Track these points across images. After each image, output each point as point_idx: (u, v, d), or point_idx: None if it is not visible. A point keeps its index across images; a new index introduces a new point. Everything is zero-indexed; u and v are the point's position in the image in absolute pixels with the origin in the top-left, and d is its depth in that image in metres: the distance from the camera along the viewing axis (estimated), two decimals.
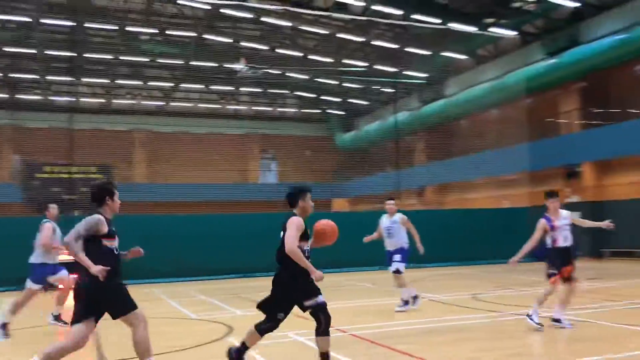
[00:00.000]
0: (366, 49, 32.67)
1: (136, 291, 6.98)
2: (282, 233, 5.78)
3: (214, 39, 30.78)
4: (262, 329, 5.85)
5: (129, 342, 5.35)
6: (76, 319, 5.18)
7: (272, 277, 5.88)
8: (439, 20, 25.90)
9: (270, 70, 32.83)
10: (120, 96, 39.45)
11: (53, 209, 9.48)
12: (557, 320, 7.93)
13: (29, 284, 8.91)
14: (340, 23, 30.28)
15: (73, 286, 5.51)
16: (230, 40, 31.17)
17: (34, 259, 9.02)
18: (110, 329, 5.80)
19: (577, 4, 23.51)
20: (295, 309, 5.80)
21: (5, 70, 33.90)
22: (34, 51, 29.77)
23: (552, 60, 25.10)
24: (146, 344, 5.31)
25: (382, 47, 29.90)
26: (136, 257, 5.85)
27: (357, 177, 37.80)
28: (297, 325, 8.83)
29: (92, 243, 5.26)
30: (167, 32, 30.25)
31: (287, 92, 40.85)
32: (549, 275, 8.08)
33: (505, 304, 10.52)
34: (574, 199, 25.03)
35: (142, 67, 35.70)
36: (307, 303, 5.65)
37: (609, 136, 22.34)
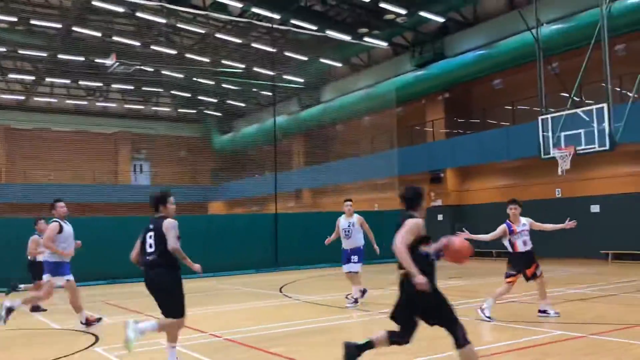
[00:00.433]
0: (245, 51, 32.57)
1: None
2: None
3: (83, 31, 29.10)
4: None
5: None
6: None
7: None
8: (316, 27, 26.47)
9: (143, 68, 31.62)
10: None
11: (60, 207, 9.28)
12: (544, 312, 8.89)
13: (53, 279, 9.08)
14: (218, 23, 29.93)
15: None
16: (101, 35, 29.65)
17: (47, 257, 9.18)
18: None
19: (443, 20, 25.08)
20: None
21: None
22: None
23: (420, 72, 26.60)
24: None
25: (260, 49, 29.96)
26: None
27: (235, 179, 37.52)
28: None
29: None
30: (31, 21, 28.14)
31: (161, 90, 39.59)
32: (507, 276, 8.92)
33: (377, 304, 10.95)
34: (438, 202, 26.67)
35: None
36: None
37: (469, 144, 24.05)
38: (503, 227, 9.04)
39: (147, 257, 6.24)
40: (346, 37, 27.06)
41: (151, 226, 6.33)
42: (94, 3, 25.15)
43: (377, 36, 27.32)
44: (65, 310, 11.97)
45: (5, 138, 36.20)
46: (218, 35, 29.81)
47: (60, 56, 30.55)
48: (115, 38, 29.84)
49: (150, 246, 6.26)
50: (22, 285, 12.19)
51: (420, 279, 4.94)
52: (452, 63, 25.15)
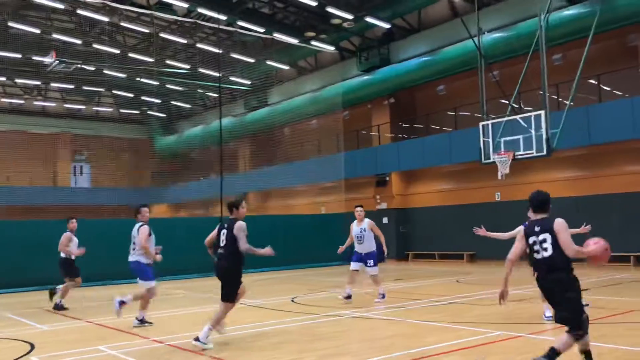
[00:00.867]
0: (190, 52, 32.12)
1: None
2: (548, 236, 5.46)
3: (20, 27, 28.00)
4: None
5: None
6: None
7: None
8: (263, 30, 26.39)
9: (85, 66, 30.70)
10: None
11: (145, 211, 9.83)
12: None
13: (144, 283, 9.46)
14: (163, 23, 29.41)
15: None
16: (40, 31, 28.61)
17: (137, 259, 9.49)
18: None
19: (389, 26, 25.47)
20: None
21: None
22: None
23: (366, 77, 26.91)
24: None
25: (206, 50, 29.62)
26: None
27: (179, 182, 36.92)
28: (116, 338, 8.37)
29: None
30: None
31: (103, 90, 38.55)
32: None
33: (321, 306, 10.99)
34: (383, 205, 27.02)
35: None
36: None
37: (414, 149, 24.50)
38: (521, 228, 9.13)
39: (219, 251, 7.69)
40: (293, 40, 27.09)
41: (226, 225, 7.74)
42: None
43: (324, 40, 27.48)
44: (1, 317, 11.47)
45: None
46: (163, 35, 29.31)
47: None
48: (55, 35, 28.87)
49: (223, 242, 7.66)
50: (58, 287, 12.25)
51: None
52: (397, 69, 25.57)
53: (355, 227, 11.60)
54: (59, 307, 11.81)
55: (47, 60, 28.16)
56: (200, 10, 24.69)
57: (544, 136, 16.17)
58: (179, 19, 27.32)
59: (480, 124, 18.02)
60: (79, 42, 29.21)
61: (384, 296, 11.48)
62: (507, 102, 18.66)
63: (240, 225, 7.54)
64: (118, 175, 37.39)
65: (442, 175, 25.85)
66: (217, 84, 25.30)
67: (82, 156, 40.81)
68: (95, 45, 29.67)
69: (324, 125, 29.93)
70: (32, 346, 8.00)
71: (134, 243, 9.58)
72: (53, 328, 9.48)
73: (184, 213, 38.25)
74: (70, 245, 11.91)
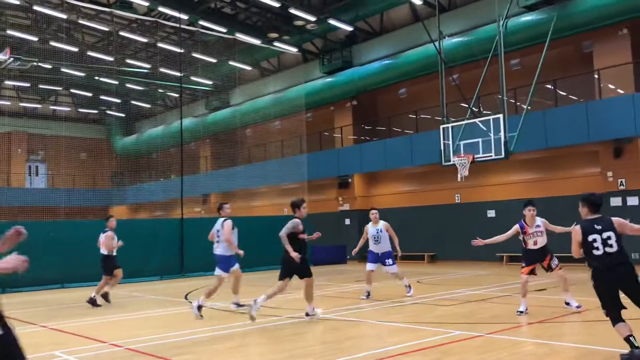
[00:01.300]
0: (151, 51, 31.66)
1: None
2: (611, 234, 6.04)
3: None
4: None
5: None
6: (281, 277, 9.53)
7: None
8: (225, 30, 26.20)
9: (41, 64, 29.91)
10: None
11: (227, 208, 10.85)
12: (568, 304, 9.51)
13: (222, 273, 10.41)
14: (123, 21, 28.91)
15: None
16: None
17: (222, 251, 10.41)
18: None
19: (351, 28, 25.63)
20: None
21: None
22: None
23: (329, 79, 27.01)
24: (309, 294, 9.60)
25: (167, 50, 29.24)
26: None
27: (138, 183, 36.32)
28: (72, 343, 8.17)
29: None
30: None
31: (60, 89, 37.62)
32: (522, 267, 9.56)
33: (284, 308, 10.97)
34: (346, 207, 27.14)
35: None
36: None
37: (376, 151, 24.68)
38: (516, 227, 9.58)
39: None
40: (256, 41, 26.98)
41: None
42: None
43: (287, 41, 27.46)
44: None
45: None
46: (123, 33, 28.79)
47: None
48: (10, 32, 28.03)
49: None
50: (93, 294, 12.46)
51: None
52: (360, 71, 25.75)
53: (371, 228, 12.26)
54: (93, 302, 12.16)
55: (1, 57, 27.32)
56: (161, 9, 24.37)
57: (502, 139, 16.53)
58: (139, 17, 26.90)
59: (441, 127, 18.31)
60: (35, 39, 28.44)
61: (410, 287, 12.21)
62: (466, 105, 19.01)
63: (294, 221, 9.54)
64: (76, 176, 36.55)
65: (403, 177, 26.13)
66: (178, 84, 25.02)
67: (37, 156, 39.74)
68: (53, 43, 28.95)
69: (286, 127, 29.90)
70: None
71: (218, 237, 10.49)
72: None
73: (143, 214, 37.64)
74: (112, 243, 12.51)
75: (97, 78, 33.13)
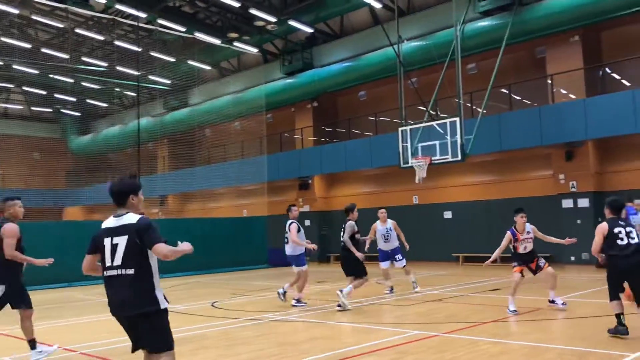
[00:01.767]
0: (107, 49, 31.02)
1: None
2: (632, 230, 7.32)
3: None
4: None
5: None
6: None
7: None
8: (184, 29, 25.90)
9: None
10: None
11: (295, 210, 11.51)
12: (553, 302, 9.78)
13: (297, 268, 11.25)
14: (79, 18, 28.25)
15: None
16: None
17: (291, 251, 11.25)
18: None
19: (312, 30, 25.69)
20: None
21: None
22: None
23: (289, 80, 27.00)
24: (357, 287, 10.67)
25: (125, 48, 28.71)
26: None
27: (94, 183, 35.55)
28: (23, 349, 7.95)
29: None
30: None
31: (12, 86, 36.49)
32: (513, 266, 9.82)
33: (242, 311, 10.91)
34: (305, 208, 27.19)
35: None
36: None
37: (336, 152, 24.81)
38: (509, 235, 9.77)
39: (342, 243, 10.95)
40: (215, 41, 26.76)
41: (344, 225, 10.83)
42: None
43: (247, 42, 27.31)
44: None
45: None
46: (78, 30, 28.13)
47: None
48: None
49: (342, 235, 10.81)
50: None
51: None
52: (320, 73, 25.83)
53: (380, 227, 12.80)
54: None
55: None
56: (119, 6, 23.93)
57: (459, 142, 16.85)
58: (96, 14, 26.33)
59: (400, 129, 18.53)
60: None
61: (416, 284, 12.79)
62: (424, 108, 19.31)
63: (349, 224, 10.73)
64: (28, 176, 35.51)
65: (363, 178, 26.33)
66: (136, 83, 24.60)
67: None
68: (4, 39, 28.04)
69: (246, 128, 29.75)
70: None
71: (286, 237, 11.29)
72: None
73: (99, 216, 36.85)
74: None
75: (51, 76, 32.24)
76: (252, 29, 26.40)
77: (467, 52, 19.33)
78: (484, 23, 20.24)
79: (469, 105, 20.74)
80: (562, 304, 9.71)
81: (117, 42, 28.64)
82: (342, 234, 10.75)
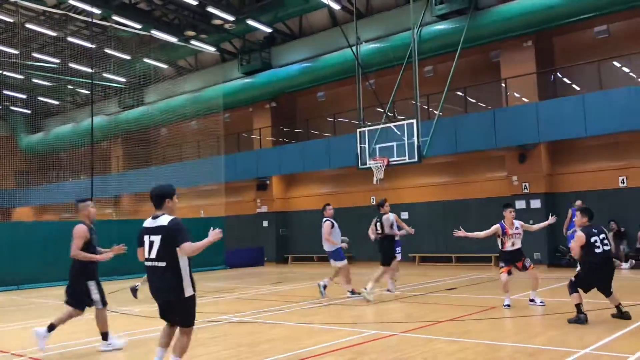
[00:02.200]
0: (60, 45, 30.18)
1: None
2: (604, 236, 8.35)
3: None
4: None
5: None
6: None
7: None
8: (140, 26, 25.43)
9: None
10: None
11: (330, 209, 12.29)
12: (532, 301, 10.00)
13: (336, 263, 12.03)
14: (30, 13, 27.41)
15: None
16: None
17: (327, 247, 12.03)
18: None
19: (270, 30, 25.59)
20: None
21: None
22: None
23: (248, 79, 26.83)
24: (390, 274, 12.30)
25: (78, 45, 27.99)
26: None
27: (45, 183, 34.53)
28: None
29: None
30: None
31: None
32: (500, 267, 10.11)
33: (198, 312, 10.72)
34: (263, 209, 27.07)
35: None
36: None
37: (294, 153, 24.77)
38: (497, 226, 9.98)
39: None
40: (172, 39, 26.36)
41: (379, 218, 12.18)
42: None
43: (204, 40, 27.01)
44: None
45: None
46: (29, 25, 27.27)
47: None
48: None
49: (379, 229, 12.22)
50: (137, 283, 13.09)
51: None
52: (278, 73, 25.75)
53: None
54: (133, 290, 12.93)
55: None
56: (72, 2, 23.30)
57: (416, 144, 17.06)
58: (48, 9, 25.58)
59: (358, 130, 18.65)
60: None
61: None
62: (382, 110, 19.48)
63: (386, 217, 12.02)
64: None
65: (321, 179, 26.38)
66: (90, 81, 24.00)
67: None
68: None
69: (204, 127, 29.39)
70: None
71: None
72: None
73: (50, 216, 35.82)
74: None
75: (0, 72, 31.16)
76: (209, 27, 26.12)
77: (424, 55, 19.60)
78: (441, 26, 20.54)
79: (426, 107, 21.03)
80: (541, 302, 9.94)
81: (70, 39, 27.90)
82: (377, 228, 12.03)
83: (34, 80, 32.85)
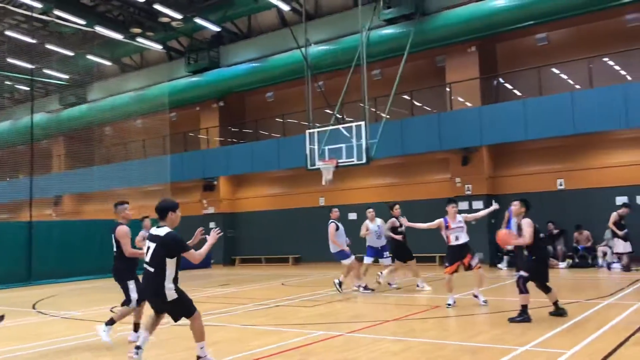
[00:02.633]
0: None
1: None
2: None
3: None
4: None
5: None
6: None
7: None
8: (83, 22, 24.70)
9: None
10: None
11: (335, 211, 12.94)
12: (476, 296, 10.18)
13: (345, 262, 12.68)
14: None
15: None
16: None
17: (332, 248, 12.68)
18: None
19: (219, 29, 25.34)
20: None
21: None
22: None
23: (195, 78, 26.46)
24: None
25: (17, 39, 26.92)
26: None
27: None
28: None
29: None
30: None
31: None
32: (445, 267, 10.29)
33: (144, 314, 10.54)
34: (210, 210, 26.76)
35: None
36: None
37: (243, 153, 24.59)
38: (440, 220, 10.23)
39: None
40: (117, 36, 25.73)
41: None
42: None
43: (150, 38, 26.48)
44: None
45: None
46: None
47: None
48: None
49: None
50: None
51: None
52: (227, 72, 25.51)
53: (371, 225, 13.21)
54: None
55: None
56: None
57: (364, 145, 17.24)
58: None
59: (307, 131, 18.68)
60: None
61: (390, 284, 13.51)
62: (331, 112, 19.59)
63: (391, 220, 12.78)
64: None
65: (270, 180, 26.28)
66: (29, 77, 23.15)
67: None
68: None
69: (149, 126, 28.75)
70: None
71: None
72: None
73: None
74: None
75: None
76: (156, 25, 25.64)
77: (372, 58, 19.82)
78: (388, 31, 20.83)
79: (374, 110, 21.27)
80: (484, 301, 10.16)
81: (8, 32, 26.81)
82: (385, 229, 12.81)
83: None
